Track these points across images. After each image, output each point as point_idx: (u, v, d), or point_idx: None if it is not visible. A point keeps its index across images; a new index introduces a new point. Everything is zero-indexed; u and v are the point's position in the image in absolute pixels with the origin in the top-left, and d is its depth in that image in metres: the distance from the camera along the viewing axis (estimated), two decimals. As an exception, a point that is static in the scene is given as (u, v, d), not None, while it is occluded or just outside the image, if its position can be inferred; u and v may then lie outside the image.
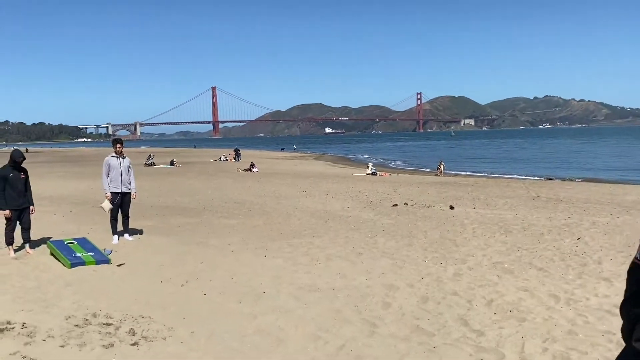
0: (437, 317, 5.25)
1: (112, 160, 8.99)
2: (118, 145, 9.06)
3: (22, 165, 8.08)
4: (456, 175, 33.26)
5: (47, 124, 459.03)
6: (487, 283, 6.51)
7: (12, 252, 7.87)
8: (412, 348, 4.46)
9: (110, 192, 8.98)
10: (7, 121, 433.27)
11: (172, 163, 37.98)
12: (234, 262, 7.72)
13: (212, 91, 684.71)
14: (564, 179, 28.75)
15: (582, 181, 26.56)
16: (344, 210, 13.63)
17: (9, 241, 7.87)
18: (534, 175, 32.59)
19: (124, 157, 9.11)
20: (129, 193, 9.17)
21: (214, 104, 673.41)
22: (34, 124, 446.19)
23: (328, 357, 4.30)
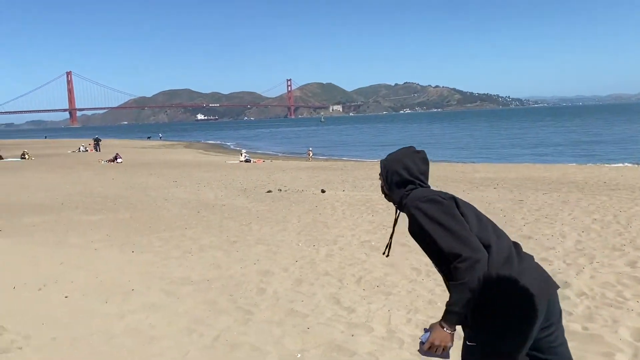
0: (310, 298, 5.40)
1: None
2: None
3: None
4: (327, 159, 34.30)
5: None
6: (356, 261, 6.82)
7: None
8: (286, 331, 4.55)
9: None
10: None
11: (23, 156, 34.51)
12: (98, 260, 7.25)
13: (67, 76, 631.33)
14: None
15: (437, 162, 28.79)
16: (217, 199, 13.42)
17: None
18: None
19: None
20: None
21: (70, 90, 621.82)
22: None
23: (203, 349, 4.23)
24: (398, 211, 2.56)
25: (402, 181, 2.45)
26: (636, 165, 23.25)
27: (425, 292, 5.52)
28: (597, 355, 3.88)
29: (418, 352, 3.31)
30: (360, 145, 52.67)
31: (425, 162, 2.51)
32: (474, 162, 27.64)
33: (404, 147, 2.59)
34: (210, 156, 39.15)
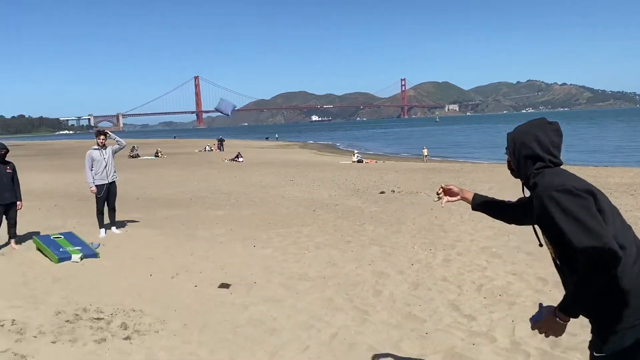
0: (428, 303, 5.29)
1: (95, 153, 8.87)
2: (101, 137, 8.94)
3: (7, 159, 7.94)
4: (442, 161, 33.45)
5: (27, 116, 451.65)
6: (476, 268, 6.57)
7: (-3, 248, 7.76)
8: (404, 334, 4.50)
9: (96, 185, 8.87)
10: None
11: (156, 154, 37.66)
12: (223, 253, 7.69)
13: (195, 81, 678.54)
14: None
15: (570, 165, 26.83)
16: (331, 199, 13.64)
17: (-6, 237, 7.75)
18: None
19: (105, 148, 8.99)
20: (114, 183, 9.07)
21: (197, 94, 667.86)
22: (13, 116, 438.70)
23: (322, 345, 4.32)
24: (525, 189, 2.42)
25: (532, 156, 2.26)
26: None
27: (554, 303, 5.15)
28: None
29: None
30: (478, 147, 50.66)
31: (559, 135, 2.30)
32: (607, 166, 25.41)
33: (534, 119, 2.39)
34: (324, 156, 39.94)
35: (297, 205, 12.55)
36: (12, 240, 8.02)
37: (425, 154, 34.70)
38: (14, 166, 8.03)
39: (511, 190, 14.48)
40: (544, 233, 2.25)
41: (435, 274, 6.34)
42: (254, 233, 9.13)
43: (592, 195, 2.11)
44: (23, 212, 11.27)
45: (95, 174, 8.87)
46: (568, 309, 2.10)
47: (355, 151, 35.62)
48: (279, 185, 16.97)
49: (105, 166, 8.89)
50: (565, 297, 2.11)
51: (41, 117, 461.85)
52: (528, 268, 6.38)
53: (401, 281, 6.11)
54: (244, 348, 4.31)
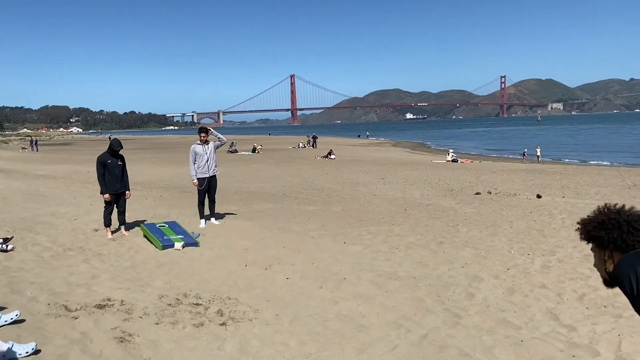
0: (524, 310, 5.06)
1: (198, 148, 9.37)
2: (202, 134, 9.43)
3: (119, 153, 8.63)
4: (544, 162, 31.74)
5: (137, 112, 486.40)
6: (579, 276, 6.18)
7: (110, 233, 8.44)
8: (498, 340, 4.34)
9: (198, 178, 9.38)
10: (101, 110, 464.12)
11: (253, 150, 39.06)
12: (314, 247, 7.84)
13: (291, 79, 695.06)
14: (665, 167, 26.62)
15: (686, 169, 24.47)
16: (423, 198, 13.42)
17: (107, 223, 8.44)
18: (630, 164, 30.41)
19: (207, 144, 9.47)
20: (215, 176, 9.54)
21: (293, 92, 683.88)
22: (125, 112, 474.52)
23: (411, 346, 4.28)
24: None
25: None
26: None
27: (667, 320, 4.74)
28: None
29: None
30: (584, 148, 47.42)
31: None
32: None
33: None
34: (417, 155, 39.32)
35: (388, 203, 12.48)
36: (122, 227, 8.69)
37: (539, 153, 33.53)
38: (124, 159, 8.70)
39: (619, 195, 13.43)
40: None
41: (533, 280, 6.05)
42: (344, 229, 9.21)
43: None
44: (131, 201, 12.16)
45: (198, 168, 9.37)
46: None
47: (450, 150, 34.74)
48: (370, 183, 16.97)
49: (207, 161, 9.37)
50: None
51: (150, 114, 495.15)
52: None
53: (496, 286, 5.89)
54: (332, 342, 4.38)
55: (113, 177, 8.39)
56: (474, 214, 10.90)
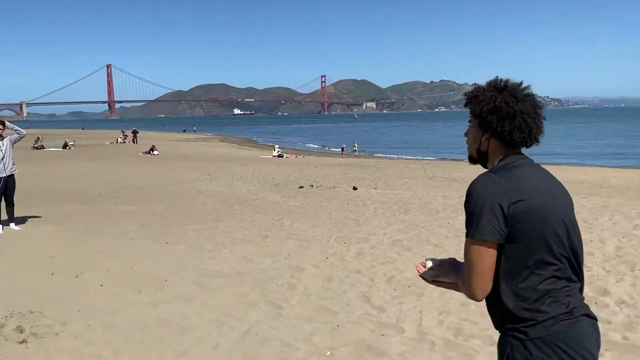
0: (340, 296, 5.38)
1: (-8, 144, 8.21)
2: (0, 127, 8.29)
3: None
4: (359, 156, 34.21)
5: None
6: (388, 260, 6.76)
7: None
8: (316, 328, 4.54)
9: (-8, 179, 8.21)
10: None
11: (64, 146, 35.52)
12: (133, 250, 7.39)
13: (107, 69, 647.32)
14: (457, 160, 30.54)
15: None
16: (250, 194, 13.52)
17: None
18: (431, 156, 34.29)
19: (2, 139, 8.35)
20: (12, 176, 8.44)
21: (109, 83, 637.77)
22: None
23: (233, 342, 4.26)
24: None
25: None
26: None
27: (458, 294, 5.41)
28: (638, 367, 3.74)
29: (450, 356, 3.23)
30: (394, 143, 52.30)
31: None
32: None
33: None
34: (244, 150, 39.55)
35: (214, 200, 12.31)
36: None
37: (355, 148, 36.16)
38: None
39: (422, 185, 15.08)
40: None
41: (349, 267, 6.46)
42: (167, 229, 8.85)
43: None
44: None
45: (-9, 167, 8.21)
46: None
47: (276, 146, 35.57)
48: (196, 180, 16.57)
49: (2, 158, 8.26)
50: None
51: None
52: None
53: (316, 275, 6.17)
54: (150, 348, 4.16)
55: None
56: (298, 207, 11.30)
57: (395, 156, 35.27)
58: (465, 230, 1.76)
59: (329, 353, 4.05)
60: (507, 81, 1.89)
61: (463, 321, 4.68)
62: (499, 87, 1.87)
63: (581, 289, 1.83)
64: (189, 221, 9.59)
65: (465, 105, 1.96)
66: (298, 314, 4.89)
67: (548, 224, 1.74)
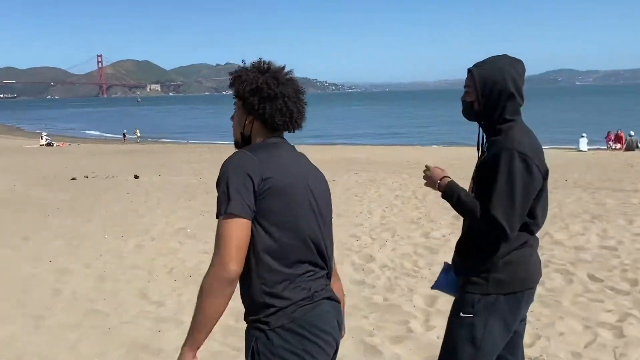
0: (114, 296, 4.96)
1: None
2: None
3: None
4: (143, 142, 32.48)
5: None
6: (170, 251, 6.48)
7: None
8: (84, 334, 4.09)
9: None
10: None
11: None
12: None
13: None
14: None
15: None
16: (10, 190, 11.78)
17: None
18: (221, 141, 34.25)
19: None
20: None
21: None
22: None
23: (-24, 368, 3.60)
24: (483, 136, 2.24)
25: (509, 94, 2.10)
26: (440, 147, 26.23)
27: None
28: (395, 324, 4.18)
29: (228, 342, 3.13)
30: (181, 128, 50.92)
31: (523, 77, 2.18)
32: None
33: (500, 55, 2.20)
34: (5, 139, 34.44)
35: (-40, 199, 10.40)
36: None
37: (138, 134, 34.06)
38: None
39: (208, 170, 14.91)
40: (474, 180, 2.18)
41: (126, 263, 6.02)
42: None
43: (542, 179, 2.09)
44: None
45: None
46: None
47: (44, 133, 31.67)
48: None
49: None
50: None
51: None
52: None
53: (87, 275, 5.60)
54: None
55: None
56: (68, 201, 10.19)
57: (184, 141, 34.35)
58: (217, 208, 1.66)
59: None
60: (270, 63, 1.85)
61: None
62: (261, 69, 1.82)
63: (328, 275, 1.85)
64: None
65: (230, 85, 1.87)
66: (62, 322, 4.35)
67: (297, 205, 1.72)
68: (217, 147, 27.12)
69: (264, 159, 1.71)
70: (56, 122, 64.58)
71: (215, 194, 1.69)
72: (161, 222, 8.10)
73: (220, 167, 1.71)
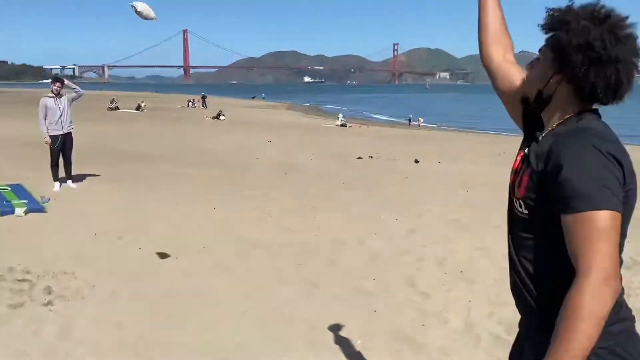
0: (383, 278, 4.97)
1: (49, 101, 8.31)
2: (57, 85, 8.36)
3: None
4: (428, 128, 33.11)
5: (9, 63, 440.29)
6: (441, 240, 6.26)
7: (-61, 198, 7.28)
8: (351, 311, 4.17)
9: (50, 136, 8.35)
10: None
11: (137, 108, 36.69)
12: (179, 213, 7.29)
13: (183, 34, 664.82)
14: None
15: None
16: (307, 162, 13.23)
17: None
18: (505, 132, 32.61)
19: (61, 97, 8.42)
20: (70, 134, 8.55)
21: (185, 48, 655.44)
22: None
23: (257, 320, 3.98)
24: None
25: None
26: None
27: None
28: None
29: (497, 355, 2.78)
30: (466, 116, 50.27)
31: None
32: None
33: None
34: (308, 118, 39.33)
35: (269, 167, 12.12)
36: (-45, 191, 7.54)
37: (421, 120, 35.23)
38: None
39: (489, 162, 14.19)
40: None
41: (397, 245, 6.02)
42: (217, 194, 8.72)
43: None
44: (-25, 161, 10.68)
45: (49, 124, 8.34)
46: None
47: (340, 114, 35.00)
48: (255, 146, 16.48)
49: (60, 116, 8.35)
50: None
51: (24, 65, 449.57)
52: (495, 244, 6.07)
53: (360, 252, 5.78)
54: (174, 319, 3.96)
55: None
56: (353, 178, 10.89)
57: (466, 129, 33.81)
58: (575, 202, 1.25)
59: (359, 341, 3.68)
60: (610, 11, 1.34)
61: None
62: (597, 17, 1.33)
63: None
64: (240, 187, 9.43)
65: (547, 28, 1.42)
66: (332, 293, 4.54)
67: (630, 212, 1.35)
68: (501, 139, 25.82)
69: (624, 151, 1.32)
70: (352, 105, 71.00)
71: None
72: (436, 210, 7.94)
73: (570, 146, 1.31)
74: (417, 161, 13.73)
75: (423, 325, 3.97)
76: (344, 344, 3.66)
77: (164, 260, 5.31)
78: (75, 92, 8.70)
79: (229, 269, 5.13)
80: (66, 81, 8.69)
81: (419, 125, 34.87)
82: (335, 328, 3.85)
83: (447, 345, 3.68)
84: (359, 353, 3.55)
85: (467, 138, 24.21)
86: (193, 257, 5.45)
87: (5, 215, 6.65)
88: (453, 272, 5.17)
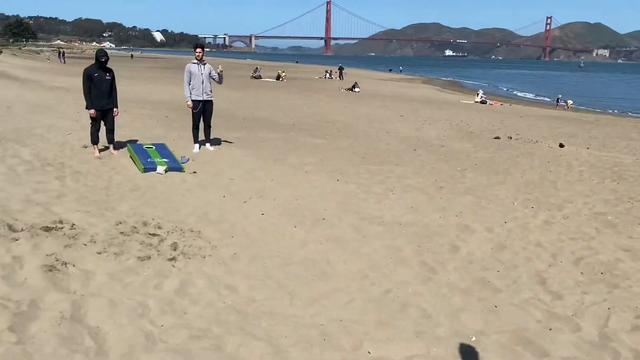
0: (509, 271, 4.56)
1: (193, 67, 8.78)
2: (198, 51, 8.79)
3: (108, 67, 8.09)
4: (576, 110, 30.20)
5: (169, 31, 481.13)
6: (581, 236, 5.61)
7: (97, 151, 8.10)
8: (468, 303, 3.87)
9: (192, 100, 8.86)
10: (134, 27, 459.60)
11: (277, 77, 38.09)
12: (304, 182, 7.37)
13: (327, 6, 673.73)
14: None
15: None
16: (438, 139, 12.72)
17: (94, 141, 8.08)
18: (670, 117, 28.67)
19: (204, 64, 8.85)
20: (211, 101, 9.00)
21: (327, 20, 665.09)
22: (158, 30, 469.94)
23: (369, 301, 3.85)
24: None
25: None
26: None
27: (670, 296, 4.19)
28: None
29: None
30: (623, 99, 45.00)
31: None
32: None
33: None
34: (446, 94, 37.87)
35: (399, 142, 11.84)
36: (111, 146, 8.34)
37: (569, 102, 32.17)
38: (113, 74, 8.17)
39: (651, 151, 12.50)
40: None
41: (529, 237, 5.51)
42: (343, 166, 8.69)
43: None
44: (132, 119, 11.77)
45: (192, 89, 8.83)
46: None
47: (480, 91, 33.20)
48: (387, 120, 16.22)
49: (202, 82, 8.80)
50: None
51: (182, 33, 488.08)
52: (647, 246, 5.30)
53: (486, 239, 5.38)
54: (284, 289, 3.98)
55: (100, 92, 7.92)
56: (487, 159, 10.23)
57: (623, 113, 30.28)
58: None
59: (474, 338, 3.39)
60: None
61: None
62: None
63: None
64: (366, 161, 9.31)
65: None
66: (452, 282, 4.25)
67: None
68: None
69: None
70: (494, 81, 67.11)
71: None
72: (579, 201, 7.14)
73: None
74: (562, 145, 12.54)
75: (550, 329, 3.56)
76: (456, 338, 3.40)
77: (285, 227, 5.38)
78: (218, 74, 8.99)
79: (346, 243, 5.06)
80: (212, 71, 8.88)
81: (567, 107, 31.89)
82: (449, 320, 3.60)
83: (575, 357, 3.26)
84: (472, 350, 3.28)
85: (622, 123, 21.63)
86: (311, 227, 5.46)
87: (148, 171, 7.22)
88: (591, 273, 4.60)
